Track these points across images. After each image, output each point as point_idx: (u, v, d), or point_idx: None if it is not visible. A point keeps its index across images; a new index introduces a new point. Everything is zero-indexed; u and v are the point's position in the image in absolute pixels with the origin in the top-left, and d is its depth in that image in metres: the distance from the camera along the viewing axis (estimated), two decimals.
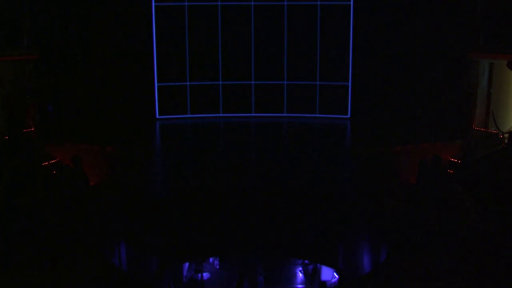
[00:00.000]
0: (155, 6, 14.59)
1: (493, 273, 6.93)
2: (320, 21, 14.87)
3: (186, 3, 14.75)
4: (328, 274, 11.03)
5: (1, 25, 12.59)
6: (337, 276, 10.57)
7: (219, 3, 14.84)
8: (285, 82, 15.37)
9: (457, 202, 7.77)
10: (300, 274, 12.20)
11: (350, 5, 14.63)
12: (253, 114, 15.46)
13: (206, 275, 11.98)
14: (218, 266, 12.45)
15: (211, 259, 12.43)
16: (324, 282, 10.84)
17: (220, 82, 15.35)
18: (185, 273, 11.95)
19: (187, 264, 11.98)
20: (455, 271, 6.99)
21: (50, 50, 13.61)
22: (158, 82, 14.96)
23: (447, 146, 12.07)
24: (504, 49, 11.98)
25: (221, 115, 15.42)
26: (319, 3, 14.80)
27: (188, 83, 15.17)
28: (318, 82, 15.20)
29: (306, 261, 11.91)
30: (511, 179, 8.55)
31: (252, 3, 14.90)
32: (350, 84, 14.97)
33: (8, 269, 7.14)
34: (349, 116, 15.08)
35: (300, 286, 12.06)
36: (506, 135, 12.56)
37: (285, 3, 14.91)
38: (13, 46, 12.76)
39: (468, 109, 13.76)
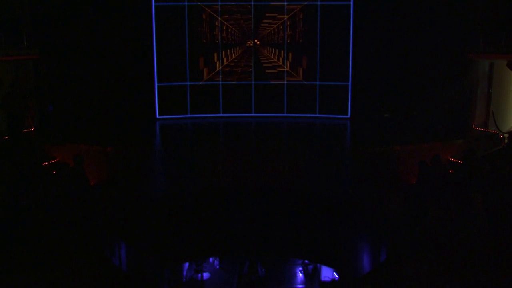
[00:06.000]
0: (155, 6, 14.60)
1: (493, 273, 6.93)
2: (320, 21, 14.88)
3: (186, 3, 14.77)
4: (328, 274, 11.05)
5: (1, 25, 12.58)
6: (337, 276, 10.59)
7: (219, 3, 14.86)
8: (285, 82, 15.39)
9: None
10: (300, 274, 12.22)
11: (350, 5, 14.64)
12: (253, 114, 15.47)
13: (206, 275, 12.00)
14: (218, 266, 12.47)
15: (211, 259, 12.45)
16: (324, 282, 10.86)
17: (220, 82, 15.37)
18: (185, 273, 11.96)
19: (187, 264, 12.00)
20: (454, 271, 6.98)
21: (50, 50, 13.61)
22: (158, 82, 14.97)
23: (447, 146, 12.07)
24: (504, 49, 11.98)
25: (221, 115, 15.43)
26: (319, 3, 14.81)
27: (188, 83, 15.18)
28: (318, 82, 15.21)
29: (306, 261, 11.92)
30: (511, 179, 8.55)
31: (252, 3, 14.92)
32: (350, 84, 14.97)
33: (9, 269, 7.14)
34: (349, 116, 15.09)
35: (300, 286, 12.07)
36: (506, 135, 12.57)
37: (285, 3, 14.93)
38: (13, 46, 12.75)
39: (468, 109, 13.76)
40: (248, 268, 10.38)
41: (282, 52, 15.29)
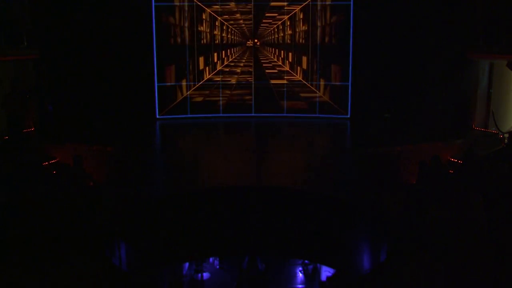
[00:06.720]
0: (155, 6, 14.60)
1: (493, 273, 6.93)
2: (320, 21, 14.88)
3: (186, 3, 14.77)
4: (328, 274, 11.04)
5: (1, 25, 12.57)
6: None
7: (219, 3, 14.86)
8: (285, 82, 15.39)
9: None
10: (300, 274, 12.22)
11: (350, 5, 14.64)
12: (253, 114, 15.47)
13: (206, 275, 12.00)
14: (218, 266, 12.47)
15: (211, 259, 12.45)
16: (324, 282, 10.86)
17: (221, 82, 15.37)
18: (185, 273, 11.96)
19: (187, 264, 12.00)
20: (454, 271, 6.99)
21: (50, 50, 13.60)
22: (158, 82, 14.97)
23: (447, 146, 12.07)
24: (504, 49, 11.97)
25: (221, 115, 15.42)
26: (319, 3, 14.81)
27: (188, 83, 15.18)
28: (318, 83, 15.21)
29: (306, 261, 11.92)
30: (511, 179, 8.55)
31: (252, 3, 14.92)
32: (350, 84, 14.98)
33: (8, 268, 7.14)
34: (349, 116, 15.09)
35: (300, 286, 12.08)
36: (506, 135, 12.56)
37: (285, 3, 14.93)
38: (13, 46, 12.74)
39: (468, 109, 13.75)
40: (248, 263, 10.37)
41: (282, 52, 15.30)
